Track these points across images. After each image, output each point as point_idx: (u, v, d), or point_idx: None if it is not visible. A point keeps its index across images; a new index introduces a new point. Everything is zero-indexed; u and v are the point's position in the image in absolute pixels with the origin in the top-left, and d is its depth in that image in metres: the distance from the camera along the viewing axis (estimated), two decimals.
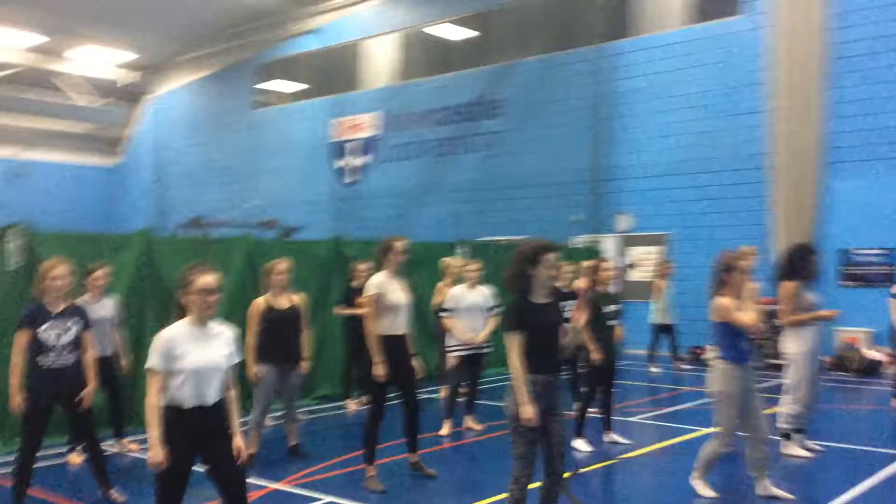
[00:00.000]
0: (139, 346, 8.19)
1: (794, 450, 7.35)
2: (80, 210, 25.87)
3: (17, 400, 5.63)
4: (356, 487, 6.42)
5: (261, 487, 6.27)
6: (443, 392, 9.66)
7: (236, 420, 4.39)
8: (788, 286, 7.25)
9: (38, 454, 5.82)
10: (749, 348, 5.98)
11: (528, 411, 4.63)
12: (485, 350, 8.60)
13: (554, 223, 17.21)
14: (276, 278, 7.34)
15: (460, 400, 8.78)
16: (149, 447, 4.09)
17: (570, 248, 15.27)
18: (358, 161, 21.41)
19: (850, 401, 10.84)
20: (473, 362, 8.57)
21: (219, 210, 21.49)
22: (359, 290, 9.92)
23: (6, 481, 6.65)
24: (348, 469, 7.08)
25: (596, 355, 7.53)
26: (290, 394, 7.56)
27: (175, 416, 4.14)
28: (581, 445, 7.62)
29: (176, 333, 4.20)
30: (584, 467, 7.00)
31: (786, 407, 7.35)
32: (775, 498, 6.05)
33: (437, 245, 12.40)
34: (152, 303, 8.97)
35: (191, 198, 24.93)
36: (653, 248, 16.10)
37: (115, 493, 6.08)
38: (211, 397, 4.20)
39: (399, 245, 6.56)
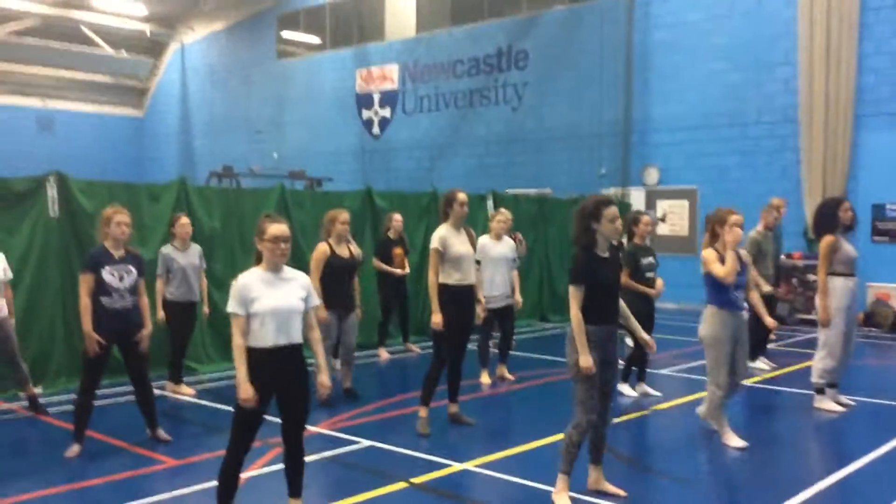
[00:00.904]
0: None
1: (827, 404, 7.39)
2: (107, 159, 26.03)
3: (93, 338, 5.88)
4: (392, 432, 6.58)
5: None
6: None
7: (322, 359, 4.60)
8: (827, 240, 7.25)
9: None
10: (738, 297, 6.18)
11: (588, 360, 4.76)
12: (511, 302, 8.62)
13: (581, 176, 17.17)
14: (340, 227, 7.53)
15: (493, 351, 8.91)
16: (237, 385, 4.26)
17: None
18: (384, 112, 21.34)
19: (882, 357, 10.84)
20: (503, 314, 8.63)
21: (245, 160, 21.56)
22: (395, 241, 10.09)
23: (52, 419, 6.89)
24: (384, 416, 7.25)
25: (654, 292, 7.72)
26: (348, 339, 7.78)
27: (255, 357, 4.30)
28: (626, 390, 7.99)
29: (250, 279, 4.36)
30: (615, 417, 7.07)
31: (819, 361, 7.38)
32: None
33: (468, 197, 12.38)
34: None
35: (217, 148, 25.03)
36: (682, 203, 16.01)
37: (161, 433, 6.30)
38: (289, 339, 4.35)
39: (462, 196, 6.60)
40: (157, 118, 28.24)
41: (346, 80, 22.16)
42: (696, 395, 8.01)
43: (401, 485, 5.30)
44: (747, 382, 8.58)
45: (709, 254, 6.24)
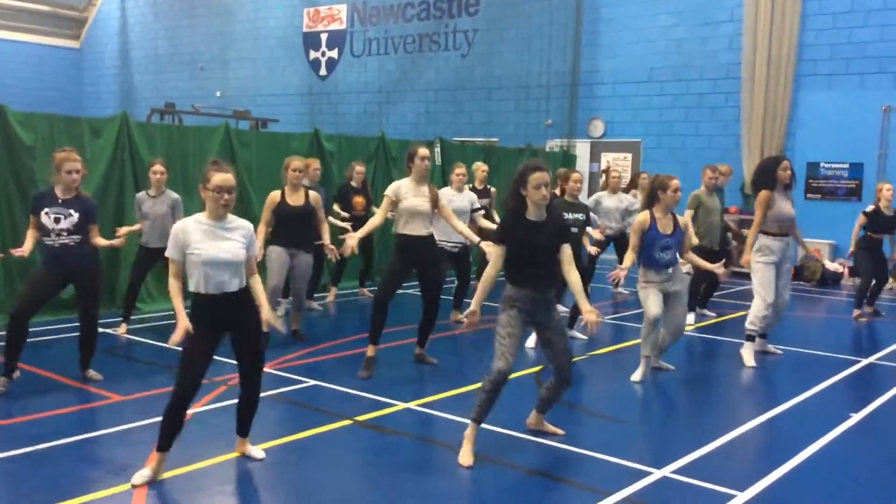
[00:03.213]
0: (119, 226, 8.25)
1: (748, 353, 7.64)
2: (42, 91, 25.08)
3: (13, 254, 5.99)
4: (338, 373, 6.68)
5: None
6: None
7: (263, 298, 4.55)
8: (763, 195, 7.53)
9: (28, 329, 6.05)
10: (660, 257, 6.66)
11: (476, 315, 4.92)
12: (465, 247, 8.72)
13: (528, 126, 17.26)
14: (291, 174, 7.50)
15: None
16: (177, 321, 4.30)
17: (546, 153, 15.41)
18: (332, 53, 20.98)
19: (810, 309, 11.31)
20: (459, 258, 8.78)
21: (187, 98, 21.02)
22: (356, 189, 10.17)
23: None
24: (330, 356, 7.34)
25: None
26: (299, 282, 7.77)
27: (198, 301, 4.34)
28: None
29: (189, 225, 4.31)
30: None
31: (752, 310, 7.65)
32: (660, 368, 7.21)
33: (415, 143, 12.38)
34: (130, 185, 8.98)
35: (157, 84, 24.31)
36: (626, 155, 16.25)
37: (91, 373, 6.30)
38: (231, 286, 4.33)
39: (423, 151, 6.70)
40: (94, 50, 27.20)
41: (293, 17, 21.67)
42: (630, 343, 8.28)
43: (345, 422, 5.41)
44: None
45: (643, 218, 6.72)
